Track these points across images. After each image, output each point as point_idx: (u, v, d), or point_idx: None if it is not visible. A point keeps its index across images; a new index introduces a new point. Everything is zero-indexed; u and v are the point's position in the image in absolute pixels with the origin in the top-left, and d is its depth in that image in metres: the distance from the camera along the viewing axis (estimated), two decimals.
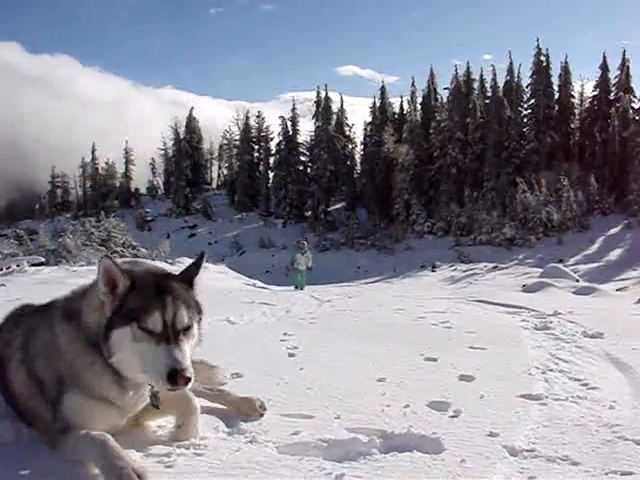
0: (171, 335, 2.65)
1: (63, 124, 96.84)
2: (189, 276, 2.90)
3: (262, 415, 3.36)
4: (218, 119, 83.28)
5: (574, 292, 19.07)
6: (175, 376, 2.54)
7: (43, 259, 25.59)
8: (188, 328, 2.74)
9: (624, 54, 64.82)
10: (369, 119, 71.68)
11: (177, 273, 2.93)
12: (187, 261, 15.42)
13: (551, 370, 5.14)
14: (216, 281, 20.44)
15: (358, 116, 74.31)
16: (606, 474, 2.76)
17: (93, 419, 2.72)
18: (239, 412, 3.36)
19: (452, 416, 3.59)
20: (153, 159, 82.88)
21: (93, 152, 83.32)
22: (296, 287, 24.11)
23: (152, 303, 2.68)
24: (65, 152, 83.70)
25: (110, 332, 2.65)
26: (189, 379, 2.57)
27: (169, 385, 2.56)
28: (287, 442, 3.00)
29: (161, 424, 3.08)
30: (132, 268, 2.85)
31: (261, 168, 75.98)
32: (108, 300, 2.70)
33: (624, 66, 64.39)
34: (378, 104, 72.13)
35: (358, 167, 72.16)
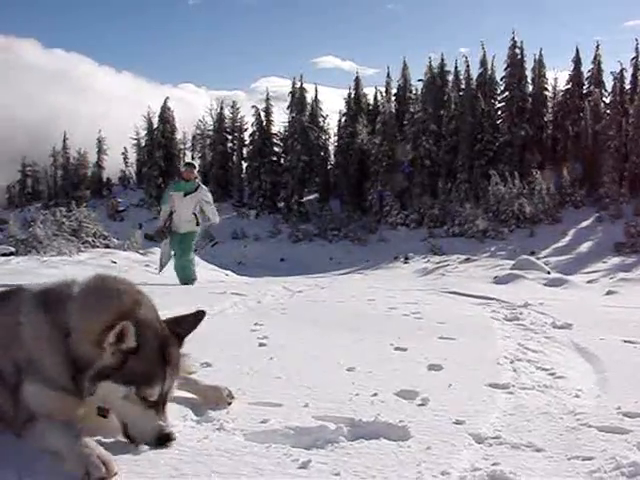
0: (161, 403, 2.70)
1: (89, 119, 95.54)
2: (183, 335, 2.90)
3: (230, 403, 3.35)
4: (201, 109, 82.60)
5: (545, 284, 19.25)
6: (165, 439, 2.65)
7: (13, 249, 25.27)
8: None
9: (597, 48, 65.67)
10: (344, 110, 71.68)
11: (173, 324, 2.87)
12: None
13: (519, 360, 5.19)
14: None
15: (337, 107, 74.24)
16: (568, 459, 2.80)
17: (53, 407, 2.68)
18: (207, 400, 3.35)
19: (420, 404, 3.61)
20: (126, 149, 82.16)
21: (64, 141, 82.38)
22: (184, 278, 12.79)
23: (156, 375, 2.67)
24: (93, 146, 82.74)
25: (100, 380, 2.61)
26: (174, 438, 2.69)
27: (155, 446, 2.65)
28: (255, 430, 3.00)
29: None
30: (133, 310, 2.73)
31: (234, 159, 75.63)
32: (109, 350, 2.61)
33: (596, 60, 65.08)
34: (353, 95, 72.12)
35: (332, 158, 72.15)
